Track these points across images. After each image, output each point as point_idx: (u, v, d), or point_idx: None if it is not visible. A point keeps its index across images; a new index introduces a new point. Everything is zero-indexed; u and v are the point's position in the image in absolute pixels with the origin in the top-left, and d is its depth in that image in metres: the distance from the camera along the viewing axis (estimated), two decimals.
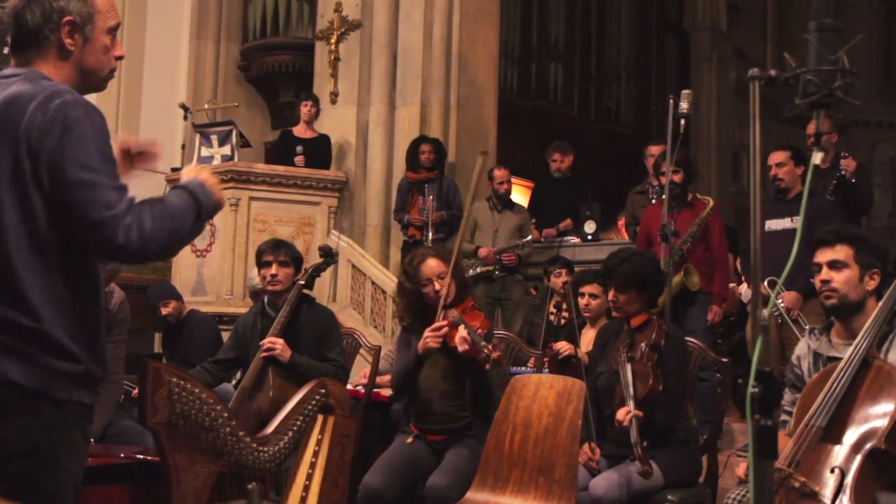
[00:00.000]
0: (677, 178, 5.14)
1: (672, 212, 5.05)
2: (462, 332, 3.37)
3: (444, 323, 3.44)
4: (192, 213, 1.93)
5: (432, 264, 3.63)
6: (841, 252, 2.72)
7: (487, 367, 3.36)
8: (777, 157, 4.79)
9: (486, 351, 3.29)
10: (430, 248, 3.95)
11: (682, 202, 5.19)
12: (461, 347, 3.36)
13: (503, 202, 6.58)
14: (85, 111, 1.85)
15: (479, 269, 6.26)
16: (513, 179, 6.73)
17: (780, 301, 4.52)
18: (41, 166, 1.80)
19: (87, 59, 1.96)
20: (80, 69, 1.96)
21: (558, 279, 5.07)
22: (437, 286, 3.57)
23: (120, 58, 2.03)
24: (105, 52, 1.98)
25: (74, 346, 1.88)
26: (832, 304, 2.73)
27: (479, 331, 3.42)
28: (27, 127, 1.81)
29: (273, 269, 3.89)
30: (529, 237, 6.41)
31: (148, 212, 1.84)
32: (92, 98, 2.07)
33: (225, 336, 5.81)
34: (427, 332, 3.46)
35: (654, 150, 6.11)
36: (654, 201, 5.80)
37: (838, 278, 2.70)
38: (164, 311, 5.54)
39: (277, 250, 3.92)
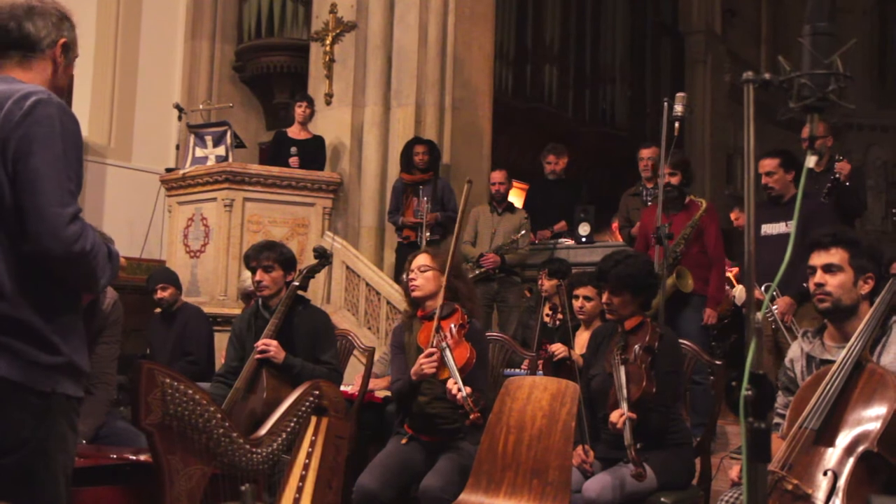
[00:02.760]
0: (675, 180, 5.15)
1: (668, 214, 5.05)
2: (451, 384, 3.32)
3: (436, 351, 3.41)
4: (108, 265, 2.00)
5: (420, 256, 3.70)
6: (836, 255, 2.72)
7: (467, 422, 3.29)
8: (766, 165, 4.75)
9: (466, 407, 3.25)
10: (433, 247, 3.97)
11: (678, 205, 5.19)
12: (449, 396, 3.35)
13: (502, 204, 6.59)
14: (58, 111, 1.93)
15: (476, 272, 6.26)
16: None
17: (774, 307, 4.52)
18: (8, 156, 1.86)
19: (61, 80, 2.11)
20: (54, 86, 2.07)
21: (540, 282, 5.10)
22: (413, 276, 3.62)
23: None
24: (69, 77, 2.15)
25: (55, 338, 1.91)
26: (825, 308, 2.73)
27: (463, 365, 3.38)
28: (3, 122, 1.87)
29: (257, 276, 3.87)
30: (523, 231, 6.42)
31: (91, 237, 1.91)
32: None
33: (217, 333, 5.83)
34: (421, 359, 3.43)
35: (646, 153, 6.12)
36: (649, 203, 5.81)
37: (832, 282, 2.70)
38: (161, 294, 5.53)
39: (259, 255, 3.89)
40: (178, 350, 5.48)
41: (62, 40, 2.06)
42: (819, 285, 2.72)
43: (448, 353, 3.40)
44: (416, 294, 3.64)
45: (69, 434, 1.99)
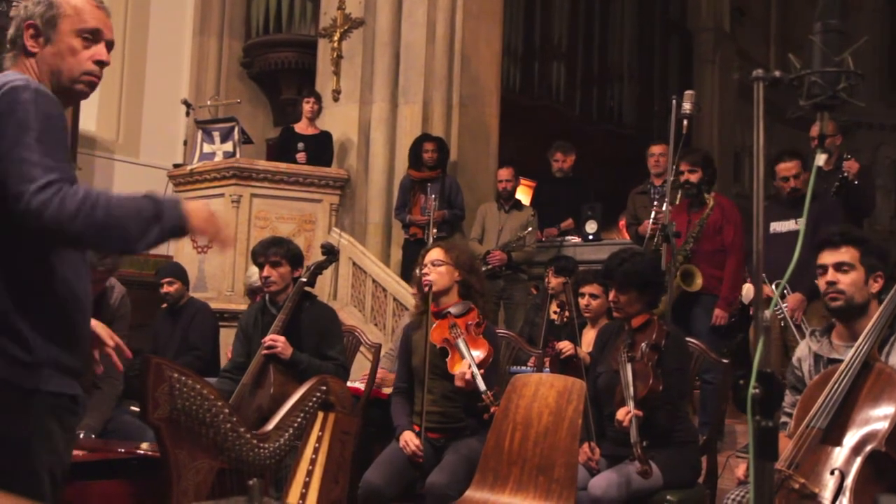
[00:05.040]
0: (693, 177, 5.12)
1: (690, 212, 5.04)
2: (464, 367, 3.33)
3: (419, 454, 3.42)
4: (145, 220, 1.87)
5: (433, 250, 3.67)
6: (846, 254, 2.71)
7: (485, 416, 3.30)
8: (791, 168, 4.80)
9: (486, 399, 3.26)
10: (446, 241, 3.94)
11: (698, 202, 5.15)
12: (458, 382, 3.35)
13: (509, 202, 6.59)
14: (33, 95, 1.88)
15: (483, 269, 6.26)
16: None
17: (784, 304, 4.51)
18: None
19: (51, 59, 2.01)
20: (48, 70, 2.02)
21: (547, 279, 5.11)
22: (427, 271, 3.59)
23: (100, 63, 2.05)
24: (72, 54, 2.02)
25: (35, 335, 1.88)
26: (838, 307, 2.72)
27: (481, 361, 3.37)
28: None
29: (265, 271, 3.88)
30: (530, 229, 6.42)
31: (81, 196, 1.81)
32: (95, 92, 2.12)
33: (224, 329, 5.84)
34: (410, 444, 3.44)
35: (656, 149, 6.10)
36: (655, 202, 5.78)
37: (845, 280, 2.69)
38: (167, 288, 5.54)
39: (267, 251, 3.89)
40: (183, 345, 5.49)
41: (28, 23, 2.01)
42: (831, 283, 2.71)
43: (463, 344, 3.40)
44: (447, 300, 3.60)
45: (57, 432, 1.94)
